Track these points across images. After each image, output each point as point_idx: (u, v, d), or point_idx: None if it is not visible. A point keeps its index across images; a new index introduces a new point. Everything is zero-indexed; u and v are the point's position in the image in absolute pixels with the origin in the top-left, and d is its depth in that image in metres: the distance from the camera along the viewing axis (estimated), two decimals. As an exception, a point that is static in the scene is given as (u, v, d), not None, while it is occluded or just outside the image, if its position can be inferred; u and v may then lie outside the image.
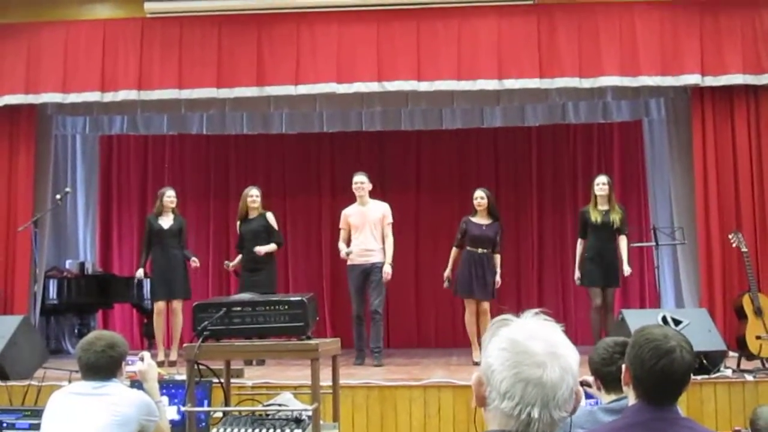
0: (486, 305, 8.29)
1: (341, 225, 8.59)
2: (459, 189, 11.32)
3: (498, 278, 8.35)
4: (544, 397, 1.58)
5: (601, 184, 8.34)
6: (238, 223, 8.76)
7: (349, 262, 8.43)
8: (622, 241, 8.39)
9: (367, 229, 8.39)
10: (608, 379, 3.37)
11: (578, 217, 8.63)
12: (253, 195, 8.63)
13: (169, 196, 8.65)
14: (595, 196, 8.35)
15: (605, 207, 8.32)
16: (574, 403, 1.63)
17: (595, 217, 8.28)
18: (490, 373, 1.63)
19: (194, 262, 8.63)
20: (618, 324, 7.24)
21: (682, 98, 9.24)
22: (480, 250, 8.34)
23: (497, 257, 8.44)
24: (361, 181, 8.48)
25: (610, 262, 8.30)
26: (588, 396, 3.82)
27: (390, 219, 8.50)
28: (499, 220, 8.50)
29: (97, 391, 3.74)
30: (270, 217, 8.70)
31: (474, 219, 8.43)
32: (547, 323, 1.67)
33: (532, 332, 1.64)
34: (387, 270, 8.34)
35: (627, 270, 8.34)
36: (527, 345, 1.61)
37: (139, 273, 8.78)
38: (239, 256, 8.71)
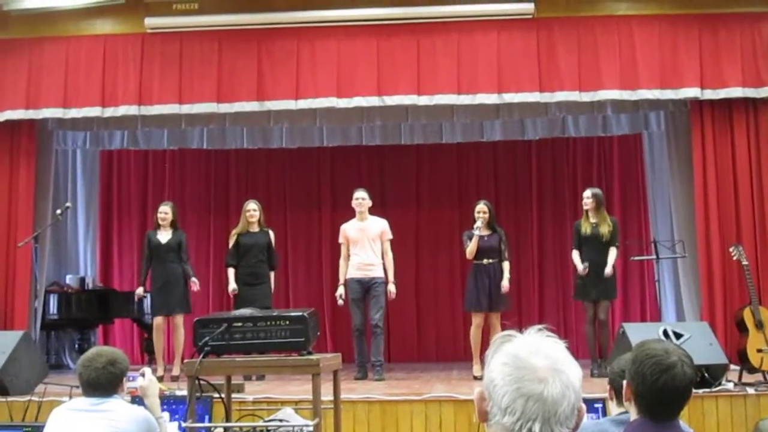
0: (495, 319, 8.24)
1: (340, 239, 8.60)
2: (459, 202, 11.35)
3: (505, 282, 8.29)
4: (545, 412, 1.57)
5: (585, 198, 8.41)
6: (235, 236, 8.72)
7: (348, 276, 8.43)
8: (611, 251, 8.34)
9: (366, 244, 8.41)
10: (619, 392, 3.40)
11: (573, 229, 8.67)
12: (251, 209, 8.61)
13: (161, 211, 8.64)
14: (586, 210, 8.40)
15: (595, 219, 8.34)
16: (576, 420, 1.62)
17: (584, 228, 8.31)
18: (492, 388, 1.63)
19: (194, 284, 8.61)
20: (619, 337, 7.23)
21: (681, 111, 9.26)
22: (486, 261, 8.33)
23: (506, 264, 8.42)
24: (362, 197, 8.51)
25: (602, 276, 8.26)
26: (590, 410, 3.82)
27: (389, 235, 8.53)
28: (497, 231, 8.47)
29: (98, 407, 3.73)
30: (272, 235, 8.70)
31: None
32: (550, 339, 1.67)
33: (535, 348, 1.64)
34: (392, 289, 8.41)
35: (608, 272, 8.25)
36: (529, 360, 1.61)
37: (139, 291, 8.81)
38: (231, 274, 8.66)
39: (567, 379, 1.61)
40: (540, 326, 1.69)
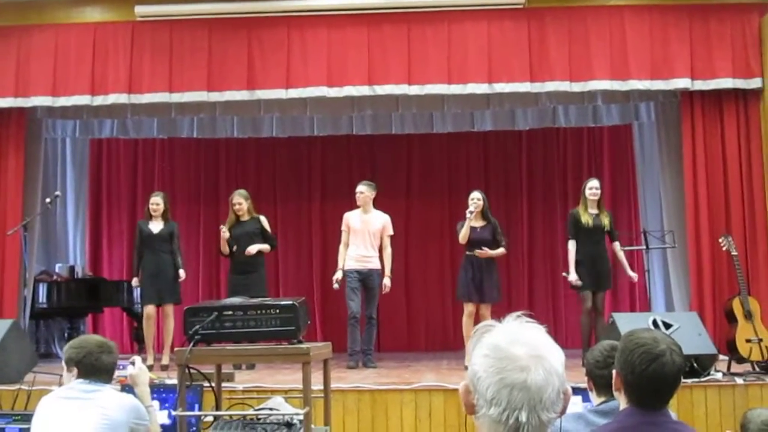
0: (485, 310, 8.22)
1: (343, 227, 8.65)
2: (449, 192, 11.39)
3: (489, 251, 8.18)
4: (530, 400, 1.58)
5: (594, 188, 8.31)
6: (226, 228, 8.66)
7: (346, 267, 8.48)
8: (617, 247, 8.41)
9: (367, 237, 8.51)
10: (599, 382, 3.39)
11: (568, 219, 8.58)
12: (236, 203, 8.61)
13: (152, 203, 8.61)
14: (586, 200, 8.34)
15: (594, 211, 8.32)
16: (563, 404, 1.63)
17: (585, 220, 8.25)
18: (476, 380, 1.63)
19: (180, 276, 8.59)
20: (608, 327, 7.24)
21: (671, 102, 9.27)
22: (478, 252, 8.30)
23: (501, 249, 8.36)
24: (360, 191, 8.61)
25: (601, 266, 8.27)
26: (586, 399, 3.83)
27: (390, 231, 8.63)
28: (491, 222, 8.44)
29: (88, 395, 3.73)
30: (263, 220, 8.69)
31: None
32: (529, 326, 1.66)
33: (515, 336, 1.63)
34: (387, 283, 8.51)
35: (634, 276, 8.53)
36: (510, 350, 1.61)
37: (134, 281, 8.75)
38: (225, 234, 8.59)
39: (549, 364, 1.61)
40: (518, 313, 1.69)
